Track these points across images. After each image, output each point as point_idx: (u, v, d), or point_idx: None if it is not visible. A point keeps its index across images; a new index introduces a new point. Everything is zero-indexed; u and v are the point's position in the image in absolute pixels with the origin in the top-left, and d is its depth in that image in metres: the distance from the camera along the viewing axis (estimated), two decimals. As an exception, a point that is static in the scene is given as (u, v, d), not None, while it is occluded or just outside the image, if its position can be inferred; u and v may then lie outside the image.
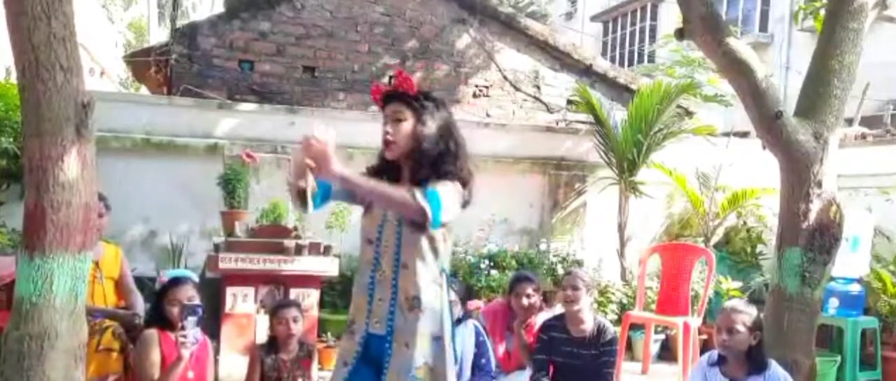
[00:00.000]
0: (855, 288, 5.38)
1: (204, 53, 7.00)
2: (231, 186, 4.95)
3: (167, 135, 5.76)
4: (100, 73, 18.81)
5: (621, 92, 8.09)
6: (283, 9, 7.19)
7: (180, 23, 8.03)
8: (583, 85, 7.18)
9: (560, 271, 5.84)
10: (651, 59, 14.77)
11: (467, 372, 3.87)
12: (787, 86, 12.81)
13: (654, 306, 5.66)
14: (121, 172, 5.37)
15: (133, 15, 25.77)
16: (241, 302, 4.52)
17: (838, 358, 5.25)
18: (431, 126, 2.39)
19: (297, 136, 2.47)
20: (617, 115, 6.53)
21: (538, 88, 8.03)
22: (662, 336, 6.00)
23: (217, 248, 4.73)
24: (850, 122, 6.83)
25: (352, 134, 5.11)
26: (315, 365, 3.73)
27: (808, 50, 4.81)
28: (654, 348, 5.86)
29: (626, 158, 6.24)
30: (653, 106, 6.14)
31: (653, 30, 17.77)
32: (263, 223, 4.95)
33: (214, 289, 4.64)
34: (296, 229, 4.89)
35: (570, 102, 7.86)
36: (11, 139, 4.96)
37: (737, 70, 3.82)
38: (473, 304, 4.55)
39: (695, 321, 5.22)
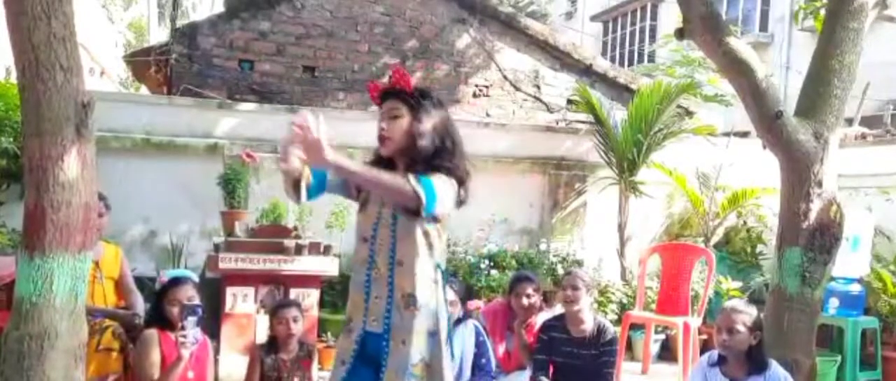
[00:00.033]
0: (855, 288, 5.37)
1: (204, 53, 7.00)
2: (231, 186, 4.95)
3: (167, 135, 5.76)
4: (100, 73, 18.82)
5: (621, 92, 8.09)
6: (283, 8, 7.19)
7: (180, 23, 8.03)
8: (583, 85, 7.18)
9: (560, 271, 5.84)
10: (651, 59, 14.77)
11: (467, 372, 3.87)
12: (787, 86, 12.82)
13: (654, 306, 5.66)
14: (121, 172, 5.37)
15: (133, 15, 25.77)
16: (241, 302, 4.52)
17: (838, 358, 5.25)
18: (427, 123, 2.39)
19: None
20: (617, 115, 6.53)
21: (538, 87, 8.03)
22: (662, 336, 6.00)
23: (217, 248, 4.73)
24: (850, 122, 6.83)
25: (352, 134, 5.09)
26: (315, 365, 3.73)
27: (808, 50, 4.81)
28: (654, 348, 5.86)
29: (626, 158, 6.24)
30: (653, 106, 6.14)
31: (653, 30, 17.77)
32: (263, 223, 4.95)
33: (214, 289, 4.64)
34: (296, 228, 4.90)
35: (570, 101, 7.86)
36: (11, 139, 4.96)
37: (737, 70, 3.82)
38: (473, 304, 4.55)
39: (695, 321, 5.22)
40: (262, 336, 4.27)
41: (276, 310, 3.71)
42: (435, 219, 2.37)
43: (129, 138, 5.66)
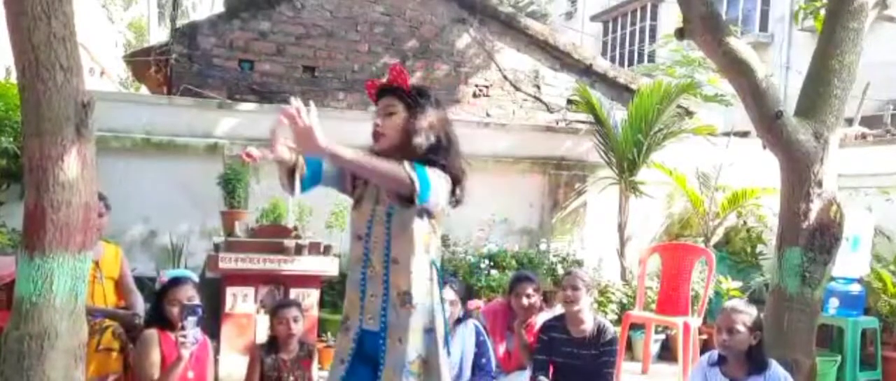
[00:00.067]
0: (855, 288, 5.37)
1: (204, 53, 7.00)
2: (231, 185, 4.95)
3: (167, 135, 5.76)
4: (100, 72, 18.82)
5: (621, 92, 8.09)
6: (283, 8, 7.19)
7: (180, 22, 8.03)
8: (583, 85, 7.18)
9: (560, 271, 5.83)
10: (651, 58, 14.77)
11: (467, 372, 3.87)
12: (787, 86, 12.82)
13: (654, 306, 5.66)
14: (121, 172, 5.37)
15: (133, 15, 25.78)
16: (241, 302, 4.52)
17: (838, 358, 5.25)
18: (423, 120, 2.39)
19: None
20: (617, 114, 6.53)
21: (538, 87, 8.03)
22: (662, 336, 6.00)
23: (217, 248, 4.73)
24: (850, 122, 6.83)
25: (352, 134, 5.08)
26: (315, 365, 3.73)
27: (808, 50, 4.81)
28: (655, 348, 5.86)
29: (626, 158, 6.24)
30: (653, 106, 6.14)
31: (653, 30, 17.77)
32: (263, 223, 4.96)
33: (214, 289, 4.64)
34: (296, 228, 4.90)
35: (570, 101, 7.86)
36: (11, 139, 4.96)
37: (737, 70, 3.82)
38: (474, 304, 4.55)
39: (695, 321, 5.22)
40: (262, 336, 4.27)
41: (276, 310, 3.71)
42: (429, 214, 2.37)
43: (129, 138, 5.65)
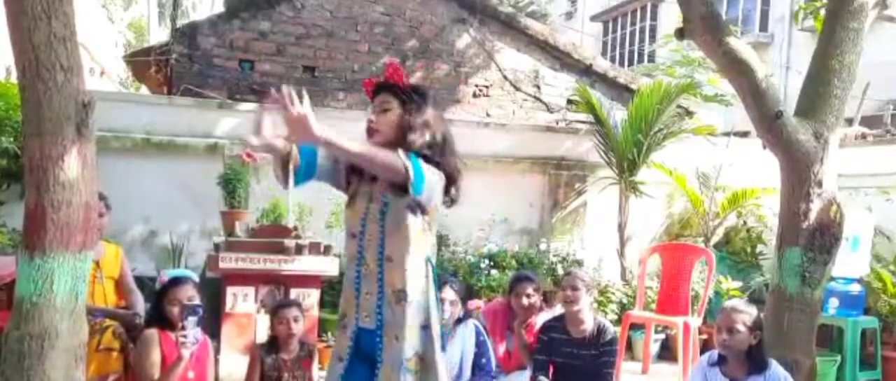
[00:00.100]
0: (855, 288, 5.37)
1: (204, 53, 7.00)
2: (231, 185, 4.95)
3: (167, 135, 5.76)
4: (100, 72, 18.82)
5: (621, 92, 8.09)
6: (283, 8, 7.19)
7: (180, 22, 8.03)
8: (583, 85, 7.18)
9: (560, 271, 5.84)
10: (651, 58, 14.77)
11: (468, 372, 3.87)
12: (787, 86, 12.82)
13: (654, 306, 5.66)
14: (121, 172, 5.37)
15: (133, 15, 25.78)
16: (242, 302, 4.52)
17: (838, 358, 5.25)
18: (417, 118, 2.40)
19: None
20: (617, 114, 6.53)
21: (538, 87, 8.03)
22: (662, 336, 6.00)
23: (217, 248, 4.73)
24: (850, 122, 6.83)
25: (352, 134, 5.08)
26: (315, 365, 3.73)
27: (808, 50, 4.81)
28: (654, 348, 5.86)
29: (626, 158, 6.24)
30: (653, 106, 6.14)
31: (653, 30, 17.77)
32: (263, 223, 4.96)
33: (215, 289, 4.64)
34: (296, 228, 4.89)
35: (570, 101, 7.86)
36: (12, 139, 4.96)
37: (737, 70, 3.82)
38: (474, 304, 4.55)
39: (695, 321, 5.22)
40: (262, 336, 4.27)
41: (276, 310, 3.71)
42: (423, 211, 2.37)
43: (129, 138, 5.66)
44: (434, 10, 7.64)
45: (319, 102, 7.09)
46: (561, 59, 8.07)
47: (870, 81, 7.24)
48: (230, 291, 4.50)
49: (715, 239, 6.57)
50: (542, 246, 6.27)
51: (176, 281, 3.36)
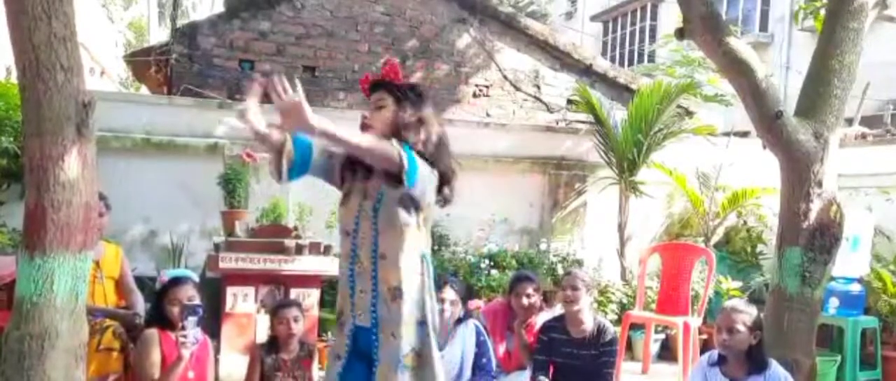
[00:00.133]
0: (855, 288, 5.37)
1: (204, 53, 7.00)
2: (231, 185, 4.95)
3: (167, 135, 5.76)
4: (100, 72, 18.80)
5: (621, 92, 8.09)
6: (284, 8, 7.19)
7: (180, 22, 8.03)
8: (583, 85, 7.19)
9: (560, 270, 5.84)
10: (651, 58, 14.77)
11: (468, 372, 3.87)
12: (787, 86, 12.81)
13: (654, 306, 5.66)
14: (121, 172, 5.37)
15: (133, 15, 25.76)
16: (242, 302, 4.52)
17: (838, 358, 5.25)
18: (411, 115, 2.40)
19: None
20: (617, 114, 6.53)
21: (538, 87, 8.03)
22: (662, 336, 6.00)
23: (217, 247, 4.73)
24: (850, 121, 6.82)
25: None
26: (315, 365, 3.73)
27: (808, 50, 4.81)
28: (655, 348, 5.86)
29: (626, 158, 6.24)
30: (653, 106, 6.14)
31: (653, 30, 17.77)
32: (264, 223, 4.95)
33: (215, 289, 4.64)
34: (296, 228, 4.90)
35: (570, 101, 7.86)
36: (12, 139, 4.96)
37: (737, 70, 3.82)
38: (474, 304, 4.55)
39: (695, 321, 5.22)
40: (262, 336, 4.27)
41: (276, 310, 3.71)
42: (417, 207, 2.37)
43: (129, 138, 5.66)
44: (434, 10, 7.64)
45: (320, 101, 7.09)
46: (561, 59, 8.07)
47: (870, 81, 7.23)
48: (230, 291, 4.50)
49: (715, 239, 6.57)
50: (542, 246, 6.27)
51: (176, 281, 3.36)
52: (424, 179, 2.31)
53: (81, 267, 2.74)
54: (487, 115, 7.76)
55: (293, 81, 2.05)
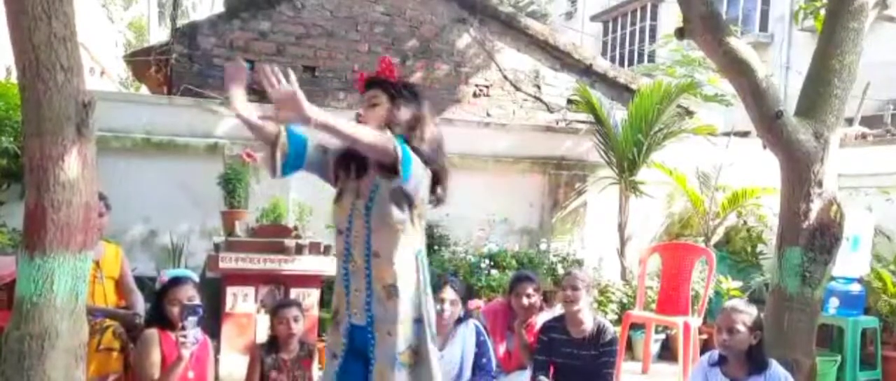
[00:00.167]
0: (855, 288, 5.37)
1: (204, 53, 7.00)
2: (231, 185, 4.95)
3: (167, 135, 5.76)
4: (100, 72, 18.79)
5: (621, 92, 8.09)
6: (284, 8, 7.19)
7: (180, 22, 8.03)
8: (583, 85, 7.19)
9: (560, 270, 5.84)
10: (651, 58, 14.77)
11: (468, 372, 3.87)
12: (787, 86, 12.82)
13: (654, 306, 5.66)
14: (121, 172, 5.37)
15: (133, 15, 25.74)
16: (242, 302, 4.52)
17: (838, 358, 5.25)
18: (405, 113, 2.40)
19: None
20: (617, 114, 6.53)
21: (538, 87, 8.03)
22: (663, 336, 6.00)
23: (217, 247, 4.73)
24: (850, 121, 6.83)
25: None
26: (315, 365, 3.73)
27: (808, 50, 4.81)
28: (655, 347, 5.86)
29: (627, 158, 6.24)
30: (653, 106, 6.14)
31: (653, 29, 17.77)
32: (264, 223, 4.95)
33: (215, 289, 4.64)
34: (296, 228, 4.90)
35: (570, 101, 7.86)
36: (12, 139, 4.96)
37: (737, 70, 3.82)
38: (474, 303, 4.55)
39: (695, 321, 5.22)
40: (262, 336, 4.27)
41: (276, 310, 3.70)
42: (410, 204, 2.37)
43: (129, 138, 5.66)
44: (434, 9, 7.64)
45: (320, 101, 7.08)
46: (561, 59, 8.07)
47: (870, 81, 7.24)
48: (230, 291, 4.50)
49: (715, 239, 6.57)
50: (542, 246, 6.26)
51: (176, 281, 3.36)
52: (418, 174, 2.31)
53: (81, 267, 2.74)
54: (487, 115, 7.76)
55: (286, 72, 2.03)
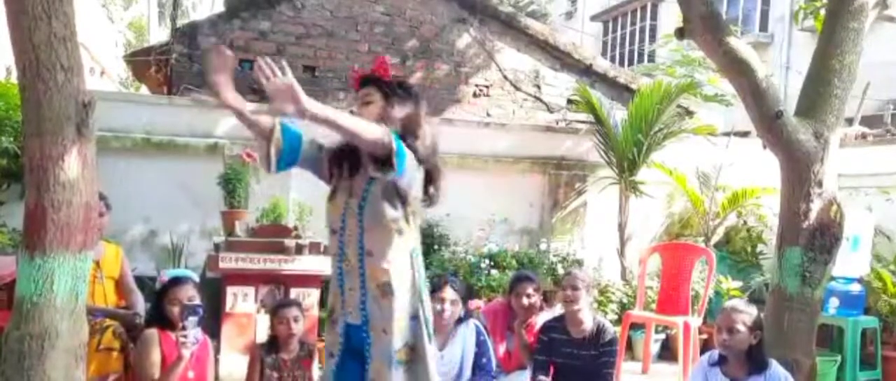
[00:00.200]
0: (855, 288, 5.37)
1: (204, 53, 6.99)
2: (231, 185, 4.95)
3: (167, 134, 5.76)
4: (100, 72, 18.80)
5: (621, 92, 8.09)
6: (284, 8, 7.19)
7: (180, 22, 8.04)
8: (583, 85, 7.19)
9: (560, 270, 5.83)
10: (651, 58, 14.77)
11: (468, 372, 3.86)
12: (787, 86, 12.82)
13: (654, 306, 5.66)
14: (121, 172, 5.37)
15: (133, 14, 25.75)
16: (242, 302, 4.52)
17: (838, 358, 5.25)
18: (399, 112, 2.41)
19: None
20: (617, 114, 6.53)
21: (538, 87, 8.03)
22: (663, 336, 6.00)
23: (217, 247, 4.73)
24: (850, 121, 6.83)
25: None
26: (315, 364, 3.73)
27: (808, 50, 4.81)
28: (655, 347, 5.86)
29: (627, 158, 6.24)
30: (653, 106, 6.14)
31: (653, 29, 17.77)
32: (264, 223, 4.95)
33: (215, 289, 4.64)
34: (296, 228, 4.90)
35: (570, 101, 7.86)
36: (12, 139, 4.96)
37: (737, 70, 3.82)
38: (474, 304, 4.55)
39: (695, 321, 5.22)
40: (262, 336, 4.27)
41: (276, 310, 3.70)
42: (403, 201, 2.37)
43: (129, 138, 5.66)
44: (434, 9, 7.65)
45: (319, 101, 7.07)
46: (561, 59, 8.07)
47: (870, 81, 7.23)
48: (230, 291, 4.50)
49: (715, 239, 6.57)
50: (542, 246, 6.26)
51: (176, 281, 3.36)
52: (411, 169, 2.31)
53: (81, 267, 2.74)
54: (487, 115, 7.76)
55: (280, 63, 2.02)
